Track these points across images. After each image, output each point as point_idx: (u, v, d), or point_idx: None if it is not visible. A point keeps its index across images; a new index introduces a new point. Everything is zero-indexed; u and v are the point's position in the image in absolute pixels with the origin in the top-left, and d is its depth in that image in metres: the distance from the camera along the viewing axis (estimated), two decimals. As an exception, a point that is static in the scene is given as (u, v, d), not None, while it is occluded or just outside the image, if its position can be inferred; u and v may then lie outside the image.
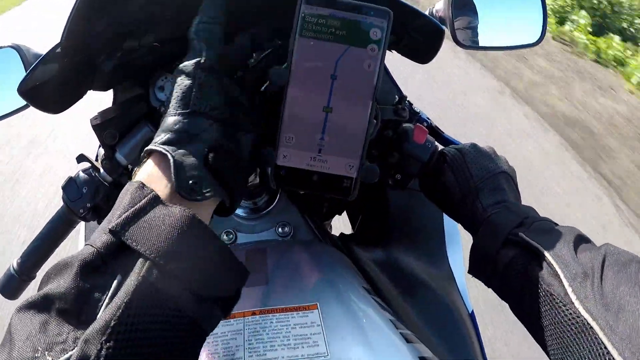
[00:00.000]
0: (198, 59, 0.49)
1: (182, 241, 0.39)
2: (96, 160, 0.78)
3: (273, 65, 0.52)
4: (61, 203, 0.77)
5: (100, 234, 0.40)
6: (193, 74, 0.48)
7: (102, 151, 0.74)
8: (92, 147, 0.83)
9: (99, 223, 0.76)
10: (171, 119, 0.47)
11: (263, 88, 0.58)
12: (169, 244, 0.39)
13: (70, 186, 0.75)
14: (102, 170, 0.74)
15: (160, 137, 0.46)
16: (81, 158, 0.77)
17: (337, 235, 0.89)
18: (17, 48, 0.84)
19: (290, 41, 0.49)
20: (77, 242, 0.98)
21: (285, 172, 0.50)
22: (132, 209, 0.41)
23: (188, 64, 0.49)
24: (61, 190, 0.76)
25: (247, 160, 0.51)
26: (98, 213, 0.76)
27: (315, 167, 0.50)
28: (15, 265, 0.78)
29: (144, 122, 0.72)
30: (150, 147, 0.46)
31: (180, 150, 0.45)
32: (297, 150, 0.50)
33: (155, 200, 0.42)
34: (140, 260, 0.38)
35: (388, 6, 0.49)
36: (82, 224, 0.94)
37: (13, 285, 0.79)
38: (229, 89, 0.50)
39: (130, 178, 0.74)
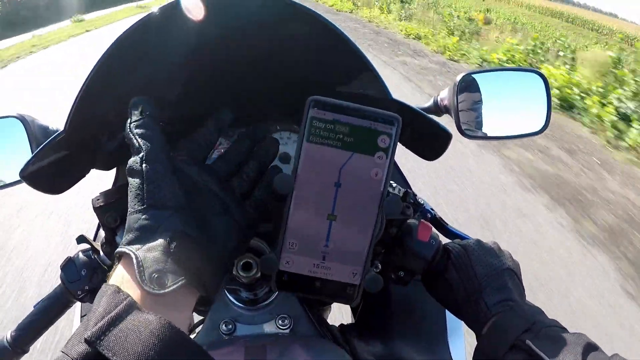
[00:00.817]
0: (141, 155, 0.49)
1: (159, 351, 0.38)
2: (95, 240, 0.78)
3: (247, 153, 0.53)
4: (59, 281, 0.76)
5: (77, 342, 0.39)
6: (139, 170, 0.48)
7: (102, 233, 0.73)
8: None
9: None
10: (132, 217, 0.47)
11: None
12: (146, 353, 0.38)
13: (69, 267, 0.74)
14: (101, 253, 0.73)
15: (126, 238, 0.47)
16: (81, 239, 0.76)
17: (337, 325, 0.87)
18: (22, 118, 0.85)
19: (297, 146, 0.48)
20: (73, 319, 0.97)
21: (288, 277, 0.50)
22: (108, 316, 0.40)
23: (132, 162, 0.49)
24: (59, 269, 0.75)
25: (224, 248, 0.50)
26: (95, 295, 0.75)
27: (319, 274, 0.50)
28: (9, 337, 0.77)
29: None
30: (118, 249, 0.46)
31: (143, 247, 0.45)
32: (300, 257, 0.49)
33: (131, 307, 0.41)
34: None
35: (394, 109, 0.49)
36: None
37: (6, 357, 0.77)
38: (188, 176, 0.51)
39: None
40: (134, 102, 0.53)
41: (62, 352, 0.39)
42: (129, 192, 0.49)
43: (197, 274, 0.47)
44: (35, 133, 0.86)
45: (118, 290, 0.42)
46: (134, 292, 0.43)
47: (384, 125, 0.48)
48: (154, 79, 0.61)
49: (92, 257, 0.74)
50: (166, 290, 0.43)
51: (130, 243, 0.46)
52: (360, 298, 0.97)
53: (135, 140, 0.50)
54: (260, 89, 0.66)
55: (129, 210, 0.48)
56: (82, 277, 0.73)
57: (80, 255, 0.75)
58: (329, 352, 0.69)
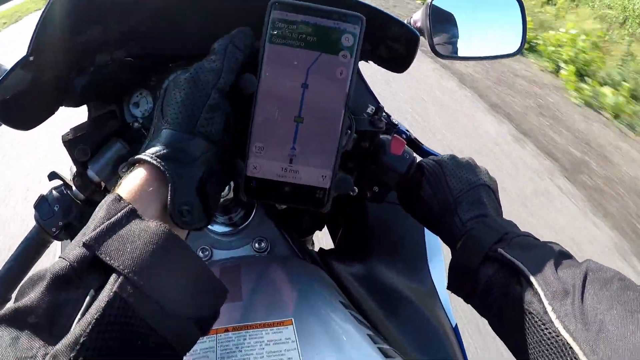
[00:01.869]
0: (216, 78, 0.48)
1: (158, 257, 0.38)
2: (68, 177, 0.77)
3: None
4: (33, 222, 0.75)
5: (74, 247, 0.38)
6: (208, 92, 0.47)
7: (74, 168, 0.72)
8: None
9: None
10: (169, 132, 0.45)
11: None
12: (144, 260, 0.37)
13: (42, 205, 0.74)
14: (74, 187, 0.73)
15: (155, 149, 0.44)
16: (53, 175, 0.75)
17: (317, 250, 0.88)
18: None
19: (260, 48, 0.47)
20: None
21: (256, 183, 0.49)
22: (107, 222, 0.39)
23: (204, 79, 0.47)
24: (33, 210, 0.74)
25: (225, 184, 0.51)
26: (71, 231, 0.74)
27: (287, 178, 0.49)
28: None
29: (116, 139, 0.70)
30: (141, 156, 0.44)
31: (179, 171, 0.44)
32: (267, 161, 0.48)
33: (132, 214, 0.40)
34: (114, 275, 0.37)
35: (362, 12, 0.48)
36: (57, 243, 0.92)
37: None
38: (230, 114, 0.49)
39: (104, 194, 0.73)
40: (242, 30, 0.51)
41: (60, 257, 0.38)
42: (177, 101, 0.47)
43: (208, 212, 0.47)
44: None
45: (119, 198, 0.41)
46: (142, 204, 0.42)
47: (348, 25, 0.47)
48: (120, 10, 0.59)
49: (65, 192, 0.74)
50: (188, 227, 0.44)
51: (161, 158, 0.44)
52: (337, 226, 0.98)
53: (220, 61, 0.48)
54: (227, 19, 0.65)
55: (168, 120, 0.46)
56: (55, 213, 0.73)
57: (53, 192, 0.74)
58: (306, 271, 0.69)
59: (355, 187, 0.65)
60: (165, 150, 0.44)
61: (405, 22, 0.90)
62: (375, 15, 0.55)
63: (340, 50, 0.47)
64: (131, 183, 0.44)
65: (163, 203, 0.43)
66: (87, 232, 0.39)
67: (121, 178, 0.46)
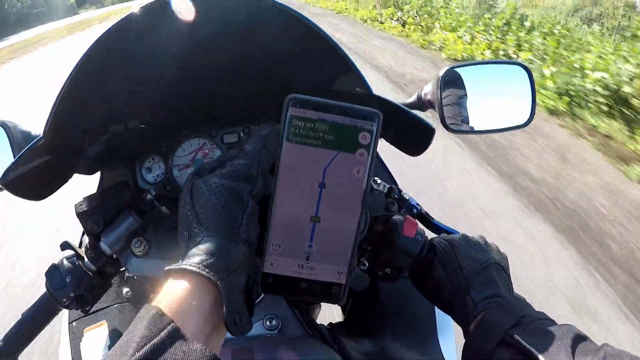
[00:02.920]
0: (252, 186, 0.48)
1: None
2: (80, 246, 0.77)
3: None
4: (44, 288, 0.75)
5: None
6: (246, 201, 0.47)
7: (86, 239, 0.72)
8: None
9: (83, 311, 0.74)
10: (213, 240, 0.44)
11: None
12: None
13: (54, 275, 0.73)
14: (86, 259, 0.73)
15: (198, 258, 0.43)
16: (65, 246, 0.75)
17: (326, 324, 0.87)
18: (3, 125, 0.83)
19: (278, 146, 0.47)
20: (61, 326, 0.96)
21: (272, 279, 0.49)
22: (150, 343, 0.37)
23: (240, 187, 0.47)
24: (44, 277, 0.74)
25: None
26: (81, 302, 0.74)
27: (303, 275, 0.49)
28: None
29: (128, 212, 0.70)
30: (185, 266, 0.43)
31: (229, 279, 0.43)
32: (284, 258, 0.48)
33: (175, 334, 0.39)
34: None
35: (378, 107, 0.48)
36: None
37: None
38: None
39: (115, 266, 0.73)
40: (272, 133, 0.50)
41: None
42: (216, 207, 0.46)
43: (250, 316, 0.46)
44: (18, 139, 0.84)
45: (161, 313, 0.40)
46: (183, 318, 0.41)
47: (365, 122, 0.47)
48: (135, 82, 0.60)
49: (77, 263, 0.73)
50: (241, 334, 0.43)
51: (209, 267, 0.42)
52: (347, 297, 0.97)
53: (254, 169, 0.48)
54: (244, 92, 0.66)
55: (208, 227, 0.45)
56: (67, 284, 0.72)
57: (65, 262, 0.74)
58: (318, 352, 0.68)
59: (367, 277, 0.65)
60: (211, 259, 0.43)
61: (417, 94, 0.92)
62: (390, 108, 0.56)
63: (357, 149, 0.47)
64: (172, 294, 0.42)
65: (206, 315, 0.42)
66: (129, 350, 0.37)
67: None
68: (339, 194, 0.48)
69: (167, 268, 0.44)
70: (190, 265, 0.43)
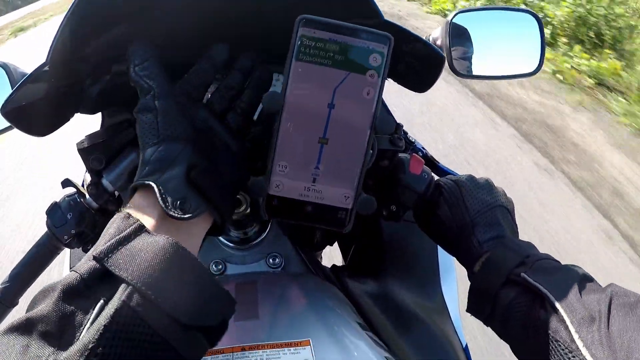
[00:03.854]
0: (151, 92, 0.50)
1: (165, 269, 0.39)
2: (82, 185, 0.76)
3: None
4: (45, 228, 0.75)
5: (85, 261, 0.40)
6: (152, 106, 0.49)
7: (88, 176, 0.71)
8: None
9: (84, 250, 0.74)
10: (147, 152, 0.49)
11: (256, 114, 0.56)
12: (152, 271, 0.39)
13: (55, 212, 0.73)
14: (87, 196, 0.72)
15: (142, 171, 0.48)
16: (66, 183, 0.74)
17: (329, 266, 0.87)
18: (4, 66, 0.83)
19: (286, 65, 0.46)
20: (62, 269, 0.96)
21: (278, 202, 0.48)
22: (117, 237, 0.41)
23: (143, 101, 0.50)
24: (45, 216, 0.74)
25: (230, 180, 0.51)
26: (83, 240, 0.74)
27: (310, 198, 0.48)
28: None
29: (131, 148, 0.70)
30: (134, 183, 0.47)
31: (162, 177, 0.46)
32: (290, 180, 0.48)
33: (140, 229, 0.42)
34: (123, 286, 0.38)
35: (389, 31, 0.47)
36: (66, 249, 0.92)
37: None
38: (194, 112, 0.51)
39: (117, 204, 0.72)
40: (133, 48, 0.53)
41: (72, 269, 0.40)
42: (140, 129, 0.50)
43: (213, 203, 0.48)
44: (18, 80, 0.84)
45: (128, 215, 0.44)
46: (149, 220, 0.45)
47: (376, 44, 0.47)
48: (140, 24, 0.59)
49: (78, 200, 0.73)
50: (191, 215, 0.45)
51: (147, 175, 0.47)
52: (349, 241, 0.98)
53: (143, 82, 0.51)
54: (252, 31, 0.64)
55: (141, 146, 0.49)
56: (68, 221, 0.72)
57: (66, 199, 0.73)
58: (321, 288, 0.69)
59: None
60: (147, 168, 0.47)
61: (425, 38, 0.90)
62: (401, 34, 0.54)
63: (367, 70, 0.47)
64: (132, 205, 0.47)
65: (160, 212, 0.45)
66: (98, 247, 0.41)
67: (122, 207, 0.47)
68: (348, 115, 0.47)
69: (132, 185, 0.48)
70: (136, 181, 0.47)
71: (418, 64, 0.60)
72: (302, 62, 0.46)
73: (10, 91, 0.80)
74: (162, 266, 0.39)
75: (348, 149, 0.48)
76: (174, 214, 0.44)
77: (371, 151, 0.53)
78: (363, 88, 0.47)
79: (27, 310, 0.39)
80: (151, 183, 0.45)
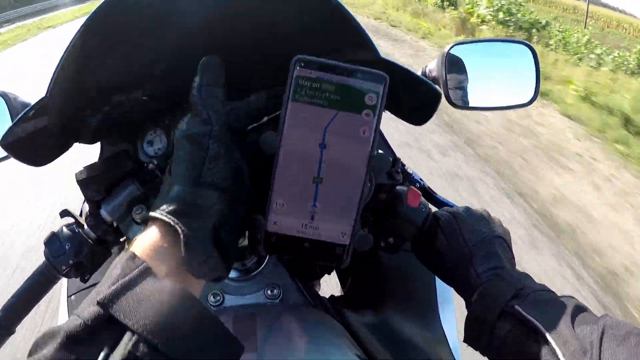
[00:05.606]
0: (208, 128, 0.48)
1: (173, 316, 0.38)
2: (80, 215, 0.76)
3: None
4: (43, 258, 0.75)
5: (88, 304, 0.39)
6: (206, 145, 0.47)
7: (86, 207, 0.72)
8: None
9: (82, 280, 0.74)
10: (179, 188, 0.46)
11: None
12: (159, 318, 0.37)
13: (53, 242, 0.73)
14: (86, 226, 0.72)
15: (165, 206, 0.45)
16: (65, 213, 0.75)
17: (327, 297, 0.87)
18: (4, 95, 0.83)
19: (283, 105, 0.47)
20: (60, 296, 0.96)
21: (276, 238, 0.48)
22: (122, 280, 0.39)
23: (197, 132, 0.48)
24: (43, 245, 0.73)
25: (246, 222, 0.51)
26: (81, 270, 0.73)
27: (307, 234, 0.48)
28: None
29: (129, 180, 0.70)
30: (154, 214, 0.45)
31: (191, 225, 0.44)
32: (288, 217, 0.48)
33: (146, 272, 0.41)
34: (128, 334, 0.37)
35: (385, 70, 0.48)
36: (64, 278, 0.91)
37: None
38: (235, 157, 0.50)
39: (115, 234, 0.72)
40: (206, 62, 0.51)
41: (75, 314, 0.38)
42: (181, 158, 0.47)
43: (227, 262, 0.47)
44: (18, 110, 0.84)
45: (133, 256, 0.42)
46: (159, 263, 0.43)
47: (372, 84, 0.47)
48: (137, 53, 0.60)
49: (77, 231, 0.73)
50: (209, 278, 0.45)
51: (173, 214, 0.44)
52: (348, 273, 0.97)
53: (203, 110, 0.49)
54: (250, 63, 0.65)
55: (175, 176, 0.47)
56: (66, 252, 0.72)
57: (64, 229, 0.73)
58: (320, 320, 0.68)
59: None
60: (174, 206, 0.44)
61: (421, 71, 0.91)
62: (397, 72, 0.55)
63: (363, 109, 0.47)
64: (145, 241, 0.44)
65: (178, 259, 0.43)
66: (102, 290, 0.39)
67: (136, 223, 0.46)
68: (343, 154, 0.47)
69: (140, 208, 0.49)
70: (156, 212, 0.44)
71: (415, 100, 0.61)
72: (298, 103, 0.46)
73: (10, 121, 0.82)
74: (170, 314, 0.38)
75: (344, 187, 0.48)
76: (194, 274, 0.43)
77: (369, 184, 0.53)
78: (359, 127, 0.47)
79: (29, 355, 0.38)
80: (177, 226, 0.43)
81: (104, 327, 0.38)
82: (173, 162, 0.48)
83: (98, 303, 0.38)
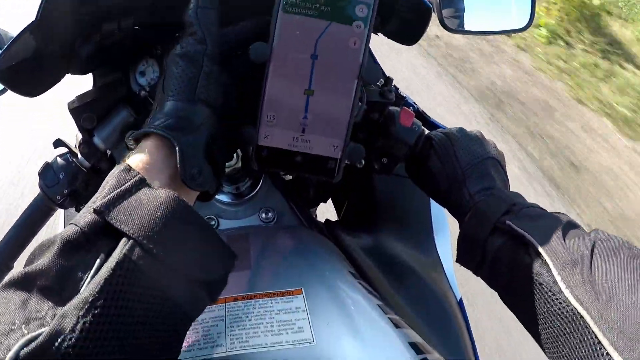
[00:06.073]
0: (203, 47, 0.48)
1: (167, 223, 0.39)
2: (74, 146, 0.76)
3: None
4: (38, 190, 0.75)
5: (85, 213, 0.39)
6: (200, 63, 0.48)
7: (79, 136, 0.71)
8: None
9: (77, 210, 0.74)
10: (173, 104, 0.47)
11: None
12: (154, 224, 0.38)
13: (47, 172, 0.73)
14: (79, 155, 0.72)
15: (160, 120, 0.45)
16: (58, 143, 0.74)
17: (323, 221, 0.88)
18: (-5, 31, 0.82)
19: (272, 16, 0.46)
20: (57, 231, 0.96)
21: (267, 152, 0.49)
22: (118, 190, 0.40)
23: (192, 51, 0.48)
24: (37, 177, 0.74)
25: (232, 143, 0.51)
26: (76, 199, 0.74)
27: (299, 148, 0.49)
28: None
29: (122, 106, 0.70)
30: (148, 129, 0.45)
31: (184, 139, 0.44)
32: (279, 130, 0.48)
33: (141, 183, 0.41)
34: (124, 239, 0.37)
35: None
36: (60, 212, 0.92)
37: None
38: (225, 77, 0.50)
39: (109, 163, 0.72)
40: None
41: (71, 223, 0.39)
42: (172, 76, 0.48)
43: (217, 176, 0.49)
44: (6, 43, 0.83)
45: (129, 168, 0.42)
46: (154, 175, 0.43)
47: None
48: None
49: (70, 160, 0.73)
50: (201, 188, 0.45)
51: (166, 128, 0.45)
52: (343, 197, 0.98)
53: (198, 29, 0.49)
54: None
55: (169, 93, 0.47)
56: (60, 181, 0.72)
57: (58, 159, 0.74)
58: (315, 241, 0.69)
59: (363, 160, 0.65)
60: (170, 121, 0.45)
61: None
62: None
63: (353, 21, 0.47)
64: (140, 154, 0.45)
65: (171, 171, 0.44)
66: (98, 199, 0.40)
67: (128, 149, 0.46)
68: (333, 66, 0.47)
69: (132, 133, 0.47)
70: (151, 127, 0.45)
71: (406, 14, 0.60)
72: (288, 14, 0.46)
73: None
74: (164, 220, 0.39)
75: (335, 99, 0.48)
76: (189, 184, 0.44)
77: (360, 103, 0.53)
78: (349, 38, 0.47)
79: (26, 265, 0.38)
80: (172, 140, 0.44)
81: (100, 233, 0.38)
82: (166, 79, 0.49)
83: (94, 210, 0.38)
